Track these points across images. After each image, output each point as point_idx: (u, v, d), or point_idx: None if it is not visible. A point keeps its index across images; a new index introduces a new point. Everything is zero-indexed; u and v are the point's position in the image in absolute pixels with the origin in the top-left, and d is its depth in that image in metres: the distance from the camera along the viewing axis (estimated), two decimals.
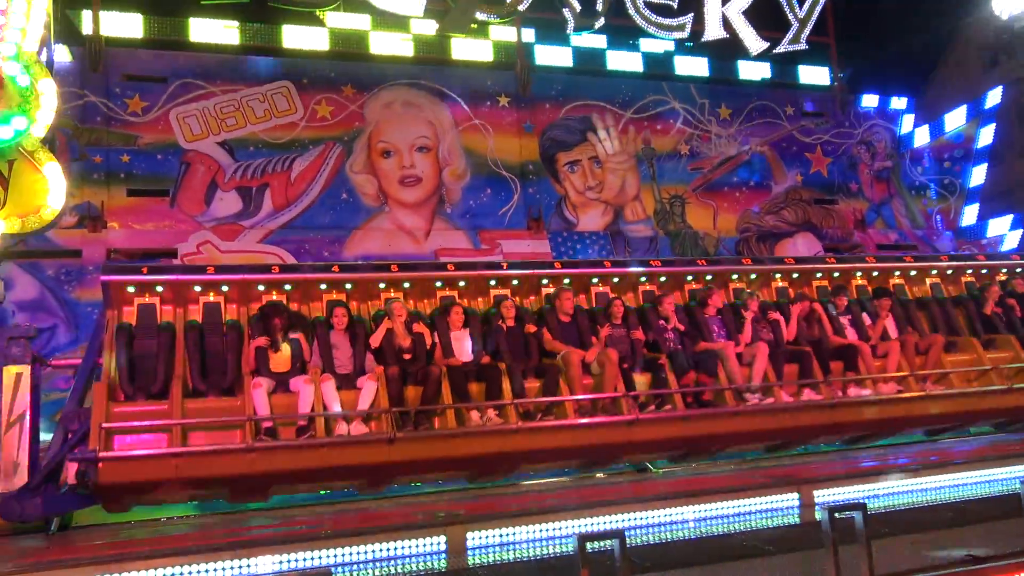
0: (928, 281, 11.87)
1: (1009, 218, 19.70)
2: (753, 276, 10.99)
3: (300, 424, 8.15)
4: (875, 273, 11.61)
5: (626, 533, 6.89)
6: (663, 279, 10.64)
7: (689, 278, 10.78)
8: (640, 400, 9.07)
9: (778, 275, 11.15)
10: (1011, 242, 19.33)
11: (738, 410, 9.27)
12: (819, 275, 11.31)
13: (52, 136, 8.56)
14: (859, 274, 11.57)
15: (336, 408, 8.25)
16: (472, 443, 8.49)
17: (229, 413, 8.08)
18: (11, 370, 7.93)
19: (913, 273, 11.80)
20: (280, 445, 7.95)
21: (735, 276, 10.92)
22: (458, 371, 8.77)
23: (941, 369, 10.25)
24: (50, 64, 8.61)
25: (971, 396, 10.21)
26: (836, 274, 11.38)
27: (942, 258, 12.38)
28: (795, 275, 11.19)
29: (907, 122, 21.99)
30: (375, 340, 8.77)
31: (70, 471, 7.69)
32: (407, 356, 8.82)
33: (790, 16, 20.14)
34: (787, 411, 9.51)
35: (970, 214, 20.91)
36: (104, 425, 7.53)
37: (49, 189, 8.38)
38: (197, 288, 8.96)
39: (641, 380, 9.33)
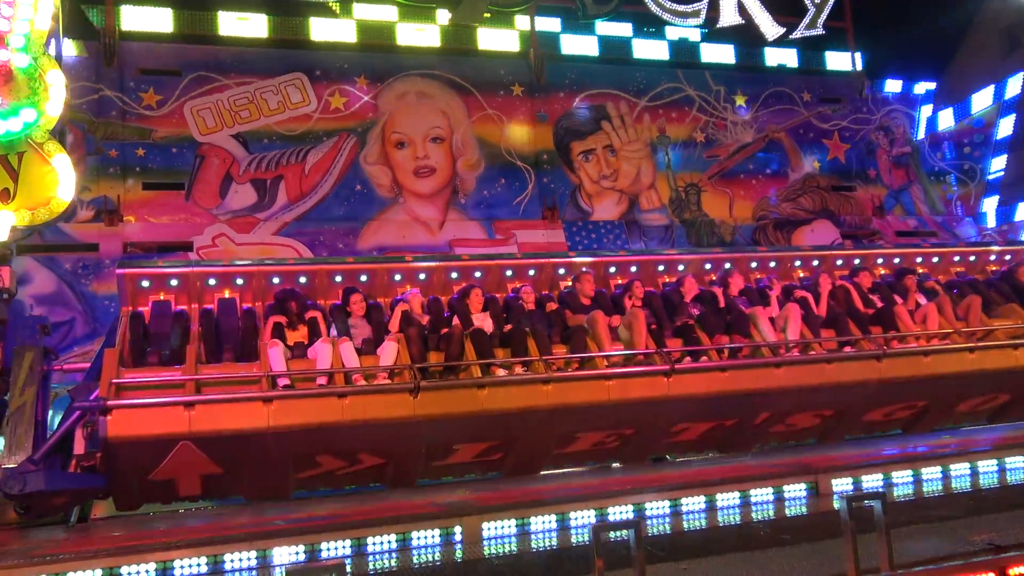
0: (953, 270, 11.74)
1: None
2: (772, 264, 10.90)
3: (320, 382, 7.94)
4: (897, 260, 11.48)
5: (642, 523, 6.95)
6: (681, 267, 10.59)
7: (708, 266, 10.71)
8: (674, 357, 8.66)
9: (798, 263, 11.05)
10: None
11: (779, 360, 8.83)
12: (839, 262, 11.20)
13: (62, 128, 8.58)
14: (880, 261, 11.45)
15: (356, 365, 8.04)
16: (500, 396, 8.09)
17: (245, 373, 7.86)
18: (21, 351, 7.95)
19: (936, 260, 11.64)
20: (299, 393, 7.66)
21: (754, 264, 10.85)
22: (481, 334, 8.51)
23: (985, 327, 9.83)
24: (59, 57, 8.64)
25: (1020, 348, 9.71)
26: (857, 260, 11.26)
27: (960, 245, 12.22)
28: (815, 262, 11.09)
29: (926, 108, 21.72)
30: (393, 325, 8.64)
31: (79, 441, 7.56)
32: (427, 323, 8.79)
33: (807, 0, 19.89)
34: (831, 362, 9.06)
35: (991, 201, 20.64)
36: (115, 381, 7.32)
37: (59, 181, 8.38)
38: (212, 282, 8.97)
39: (672, 345, 8.99)
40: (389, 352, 8.20)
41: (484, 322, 8.98)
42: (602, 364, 8.53)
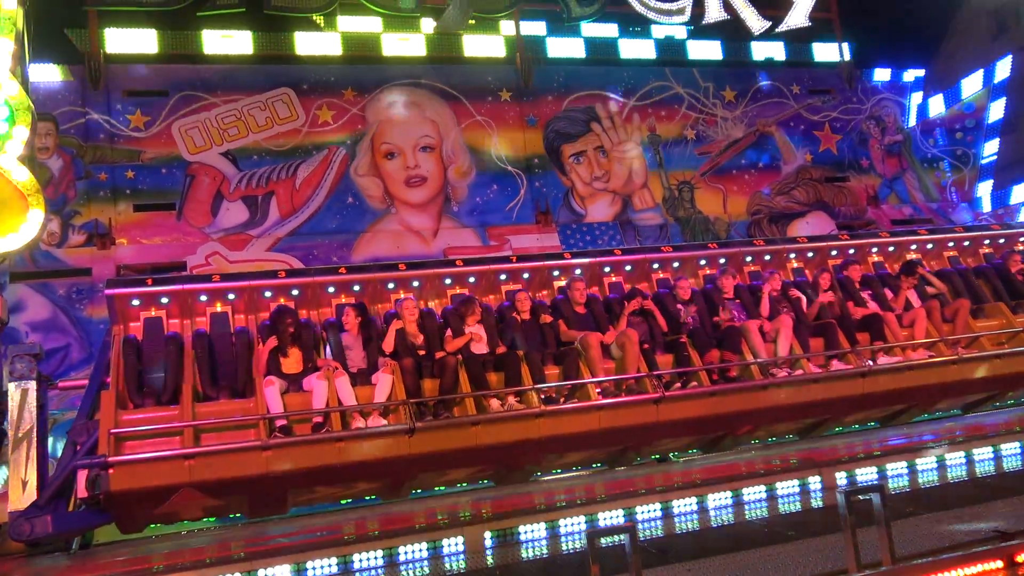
0: (946, 255, 11.71)
1: None
2: (768, 257, 10.86)
3: (316, 421, 7.95)
4: (891, 248, 11.45)
5: (647, 523, 6.90)
6: (676, 264, 10.54)
7: (702, 262, 10.67)
8: (664, 380, 8.78)
9: (793, 255, 11.01)
10: None
11: (767, 383, 8.97)
12: (834, 252, 11.17)
13: (31, 153, 8.43)
14: (875, 250, 11.41)
15: (351, 401, 8.05)
16: (494, 431, 8.23)
17: (242, 414, 7.87)
18: (17, 387, 7.88)
19: (930, 247, 11.62)
20: (296, 440, 7.75)
21: (749, 259, 10.80)
22: (475, 360, 8.56)
23: (970, 334, 9.97)
24: (25, 80, 8.47)
25: (1006, 358, 9.86)
26: (852, 251, 11.23)
27: (957, 229, 12.18)
28: (810, 254, 11.05)
29: (916, 95, 21.70)
30: (387, 345, 8.66)
31: (81, 484, 7.55)
32: (421, 352, 8.75)
33: None
34: (816, 383, 9.21)
35: (985, 186, 20.59)
36: (113, 431, 7.37)
37: (28, 206, 8.13)
38: (203, 298, 8.92)
39: (663, 361, 9.09)
40: (384, 386, 8.21)
41: (478, 338, 8.94)
42: (594, 390, 8.65)
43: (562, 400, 8.58)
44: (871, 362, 9.35)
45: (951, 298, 10.67)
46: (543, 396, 8.46)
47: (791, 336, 9.31)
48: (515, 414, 8.28)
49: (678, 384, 8.85)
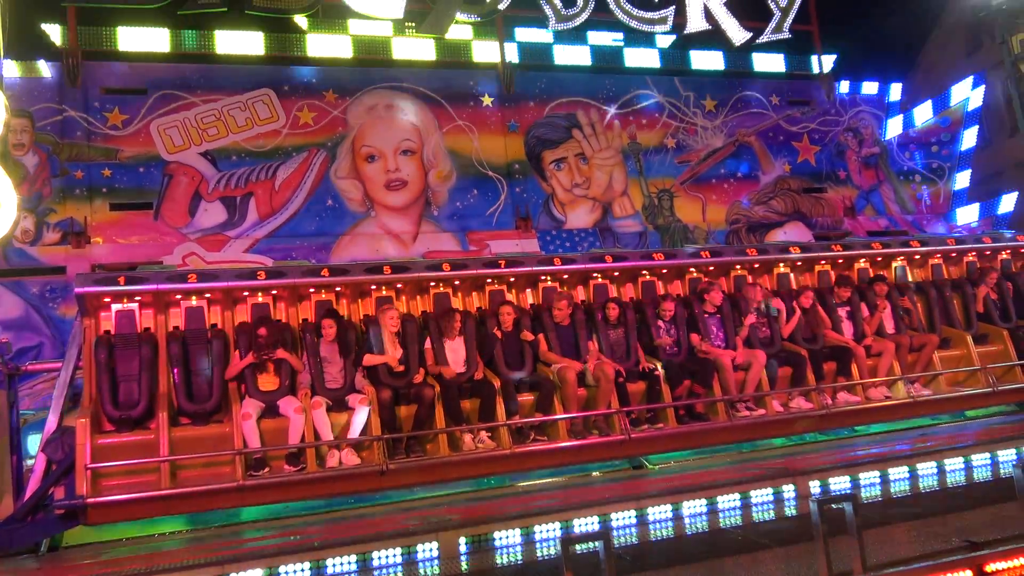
0: (932, 262, 11.92)
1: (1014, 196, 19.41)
2: (756, 266, 10.95)
3: (291, 452, 8.14)
4: (879, 258, 11.61)
5: (622, 531, 6.91)
6: (664, 271, 10.59)
7: (691, 269, 10.72)
8: (632, 416, 9.12)
9: (781, 263, 11.13)
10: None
11: (728, 425, 9.33)
12: (822, 261, 11.34)
13: (5, 150, 8.32)
14: (863, 260, 11.57)
15: (327, 434, 8.20)
16: (464, 468, 8.56)
17: (218, 442, 8.04)
18: None
19: (916, 257, 11.85)
20: (272, 482, 7.92)
21: (737, 266, 10.89)
22: (451, 389, 8.69)
23: (932, 371, 10.45)
24: None
25: (956, 400, 10.38)
26: (840, 260, 11.38)
27: (949, 241, 12.33)
28: (799, 263, 11.18)
29: (893, 107, 21.96)
30: (368, 361, 8.72)
31: (58, 491, 7.65)
32: (399, 368, 8.77)
33: (772, 5, 20.06)
34: (776, 423, 9.65)
35: (962, 186, 20.79)
36: (90, 466, 7.50)
37: (0, 203, 8.08)
38: (178, 295, 8.85)
39: (636, 389, 9.38)
40: (360, 419, 8.33)
41: (458, 351, 9.04)
42: (564, 427, 8.95)
43: (532, 436, 8.83)
44: (831, 401, 9.85)
45: (923, 317, 11.00)
46: (515, 428, 8.73)
47: (761, 372, 9.67)
48: (485, 456, 8.52)
49: (645, 424, 9.21)
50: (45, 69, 15.29)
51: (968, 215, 20.34)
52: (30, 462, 8.66)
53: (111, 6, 15.55)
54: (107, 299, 8.57)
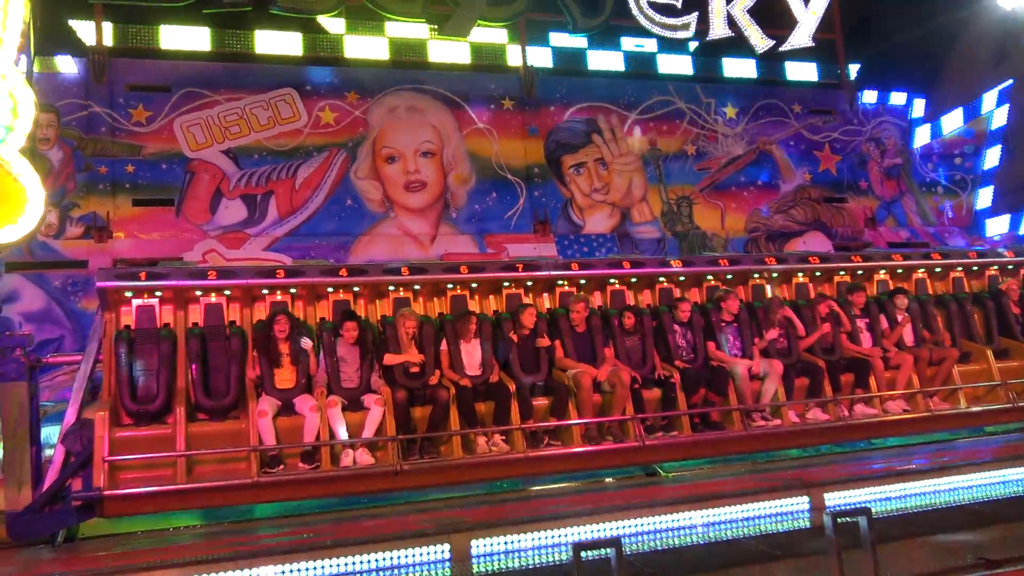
0: (952, 276, 11.81)
1: None
2: (775, 275, 10.93)
3: (306, 450, 8.24)
4: (899, 270, 11.53)
5: (634, 539, 6.90)
6: (682, 279, 10.58)
7: (709, 277, 10.70)
8: (647, 423, 9.09)
9: (800, 273, 11.09)
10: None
11: (743, 435, 9.29)
12: (841, 272, 11.27)
13: (32, 146, 8.44)
14: (883, 271, 11.49)
15: (342, 433, 8.27)
16: (478, 471, 8.59)
17: (234, 438, 8.16)
18: (9, 388, 7.93)
19: (938, 270, 11.76)
20: (286, 479, 8.03)
21: (756, 275, 10.86)
22: (466, 392, 8.73)
23: (951, 385, 10.33)
24: (29, 73, 8.50)
25: (975, 415, 10.28)
26: (860, 271, 11.32)
27: (970, 255, 12.22)
28: (817, 273, 11.14)
29: (918, 118, 21.78)
30: (389, 360, 8.76)
31: (76, 482, 7.78)
32: (415, 370, 8.80)
33: (796, 13, 19.95)
34: (792, 434, 9.60)
35: (983, 205, 20.56)
36: (107, 459, 7.62)
37: (28, 199, 8.13)
38: (198, 291, 8.95)
39: (651, 396, 9.35)
40: (374, 418, 8.39)
41: (474, 353, 9.07)
42: (578, 432, 8.95)
43: (546, 440, 8.84)
44: (848, 413, 9.80)
45: (943, 329, 10.90)
46: (529, 432, 8.75)
47: (778, 381, 9.60)
48: (499, 459, 8.55)
49: (660, 432, 9.21)
50: (72, 65, 15.44)
51: (998, 226, 20.12)
52: (49, 452, 8.78)
53: (139, 3, 15.65)
54: (128, 294, 8.68)
